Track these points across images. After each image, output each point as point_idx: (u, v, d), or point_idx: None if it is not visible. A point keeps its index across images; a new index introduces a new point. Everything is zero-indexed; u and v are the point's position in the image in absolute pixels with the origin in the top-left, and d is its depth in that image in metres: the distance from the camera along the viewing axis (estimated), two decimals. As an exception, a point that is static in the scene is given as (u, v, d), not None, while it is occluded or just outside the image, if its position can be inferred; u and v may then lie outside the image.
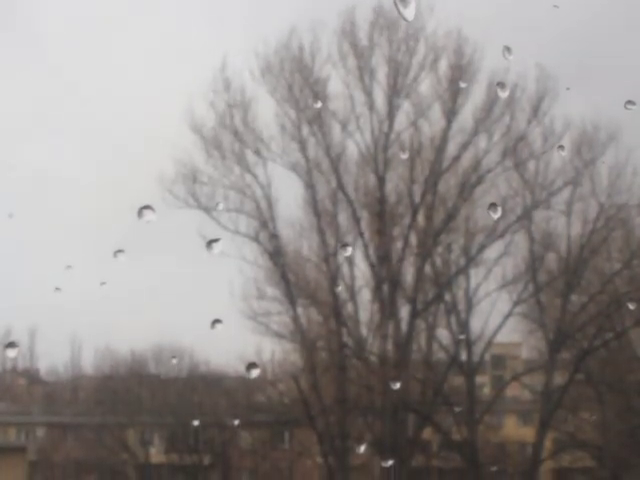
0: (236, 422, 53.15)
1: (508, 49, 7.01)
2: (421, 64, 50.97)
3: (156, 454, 66.84)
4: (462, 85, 49.92)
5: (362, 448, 43.62)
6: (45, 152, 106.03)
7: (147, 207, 7.54)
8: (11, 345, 10.36)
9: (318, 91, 50.88)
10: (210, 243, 7.97)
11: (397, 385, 43.11)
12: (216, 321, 9.41)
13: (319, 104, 50.11)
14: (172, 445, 65.89)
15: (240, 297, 50.50)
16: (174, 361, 63.50)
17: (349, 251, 49.73)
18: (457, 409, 51.09)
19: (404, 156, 50.76)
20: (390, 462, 45.96)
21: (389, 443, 48.19)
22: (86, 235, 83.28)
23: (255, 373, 10.56)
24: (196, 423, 54.41)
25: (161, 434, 67.87)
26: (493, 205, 17.80)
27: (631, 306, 41.95)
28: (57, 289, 15.12)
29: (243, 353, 51.57)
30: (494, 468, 52.37)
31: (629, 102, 11.25)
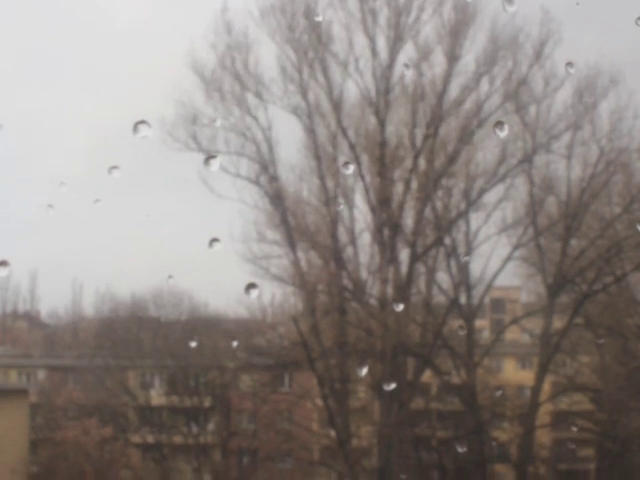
0: (234, 343, 53.26)
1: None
2: (423, 6, 50.55)
3: (157, 396, 67.10)
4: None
5: (363, 371, 43.57)
6: (42, 87, 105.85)
7: (142, 122, 7.45)
8: (2, 264, 9.97)
9: (320, 33, 50.45)
10: (208, 160, 7.88)
11: (400, 307, 43.01)
12: (214, 240, 9.33)
13: (320, 17, 49.46)
14: (172, 387, 66.12)
15: (240, 240, 50.39)
16: (170, 282, 62.92)
17: (351, 169, 49.41)
18: (462, 332, 51.29)
19: (408, 72, 49.91)
20: (392, 385, 46.02)
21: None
22: (83, 165, 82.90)
23: (254, 293, 10.53)
24: (194, 344, 54.27)
25: (161, 377, 68.15)
26: (500, 123, 17.61)
27: None
28: (50, 206, 14.98)
29: (242, 296, 51.44)
30: (499, 392, 52.77)
31: (641, 18, 10.99)
